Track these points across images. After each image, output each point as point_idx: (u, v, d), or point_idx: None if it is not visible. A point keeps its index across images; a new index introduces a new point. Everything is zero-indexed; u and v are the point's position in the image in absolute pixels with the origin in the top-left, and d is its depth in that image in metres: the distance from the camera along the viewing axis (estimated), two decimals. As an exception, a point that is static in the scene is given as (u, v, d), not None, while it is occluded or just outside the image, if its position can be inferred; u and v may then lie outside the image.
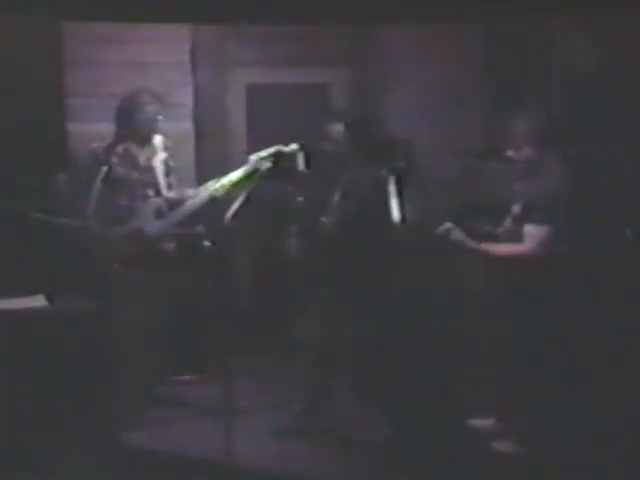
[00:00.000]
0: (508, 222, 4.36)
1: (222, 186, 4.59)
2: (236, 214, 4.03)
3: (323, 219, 4.57)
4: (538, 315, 4.14)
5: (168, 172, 4.96)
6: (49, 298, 4.35)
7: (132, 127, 4.83)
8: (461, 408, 4.53)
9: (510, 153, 4.31)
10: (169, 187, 4.94)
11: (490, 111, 5.85)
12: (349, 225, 4.49)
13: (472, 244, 4.31)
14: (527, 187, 4.30)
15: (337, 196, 4.56)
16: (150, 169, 4.89)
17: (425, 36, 5.75)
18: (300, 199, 4.60)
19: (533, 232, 4.19)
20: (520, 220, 4.27)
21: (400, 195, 4.30)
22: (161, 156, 4.93)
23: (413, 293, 4.52)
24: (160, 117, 4.87)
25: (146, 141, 4.89)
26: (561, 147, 4.29)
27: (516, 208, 4.32)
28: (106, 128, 4.93)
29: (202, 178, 5.14)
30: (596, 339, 4.26)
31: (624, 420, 4.23)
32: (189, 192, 4.88)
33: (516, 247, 4.25)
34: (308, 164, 4.46)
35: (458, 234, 4.32)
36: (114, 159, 4.79)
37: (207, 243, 4.40)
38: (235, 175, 4.54)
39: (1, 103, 5.14)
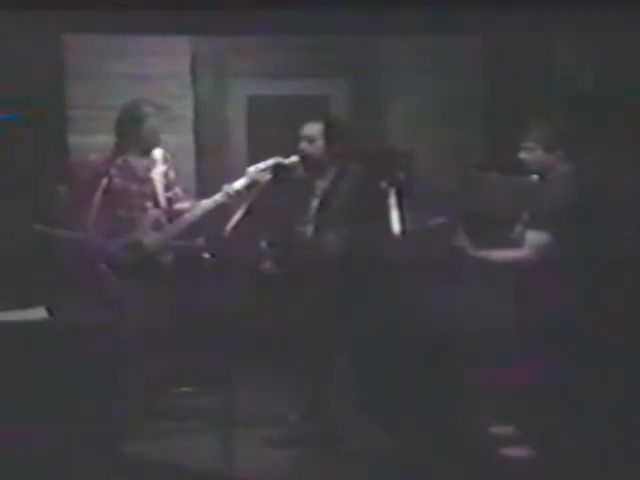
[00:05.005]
0: (511, 231, 4.33)
1: (221, 198, 4.61)
2: (236, 226, 4.04)
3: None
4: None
5: (167, 184, 4.95)
6: (49, 311, 4.35)
7: (133, 137, 4.83)
8: (460, 418, 4.53)
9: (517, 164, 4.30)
10: (168, 199, 4.93)
11: (491, 123, 5.87)
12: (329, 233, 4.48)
13: (473, 250, 4.27)
14: (532, 198, 4.29)
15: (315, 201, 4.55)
16: (149, 181, 4.88)
17: (424, 48, 5.76)
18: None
19: (535, 238, 4.15)
20: (524, 229, 4.24)
21: (400, 207, 4.29)
22: (160, 168, 4.93)
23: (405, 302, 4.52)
24: (160, 128, 4.88)
25: (146, 152, 4.89)
26: (569, 157, 4.25)
27: (520, 218, 4.30)
28: (107, 140, 4.94)
29: (202, 190, 5.15)
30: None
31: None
32: (188, 204, 4.89)
33: (519, 253, 4.20)
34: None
35: (462, 238, 4.28)
36: (113, 171, 4.80)
37: (207, 255, 4.39)
38: (234, 187, 4.55)
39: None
